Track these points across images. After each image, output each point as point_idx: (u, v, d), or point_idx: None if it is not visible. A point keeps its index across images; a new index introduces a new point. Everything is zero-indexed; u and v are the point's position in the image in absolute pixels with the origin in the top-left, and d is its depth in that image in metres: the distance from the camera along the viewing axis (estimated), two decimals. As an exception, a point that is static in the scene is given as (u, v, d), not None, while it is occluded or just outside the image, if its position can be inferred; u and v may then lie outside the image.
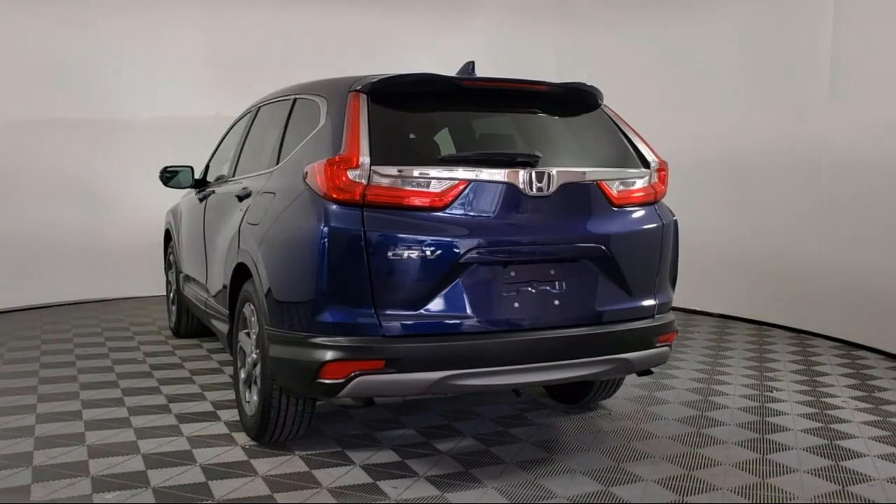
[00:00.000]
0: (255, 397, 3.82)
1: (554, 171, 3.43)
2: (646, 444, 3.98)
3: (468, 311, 3.31)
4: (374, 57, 8.39)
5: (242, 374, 4.02)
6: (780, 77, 6.84)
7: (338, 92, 3.62)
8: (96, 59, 7.83)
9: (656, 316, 3.76)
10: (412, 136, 3.64)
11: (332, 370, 3.21)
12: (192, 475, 3.47)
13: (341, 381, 3.20)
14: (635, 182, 3.72)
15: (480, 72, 4.01)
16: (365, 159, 3.25)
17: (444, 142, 3.82)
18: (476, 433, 4.11)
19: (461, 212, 3.32)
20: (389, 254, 3.22)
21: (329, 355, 3.21)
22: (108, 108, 7.93)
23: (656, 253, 3.76)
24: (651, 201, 3.78)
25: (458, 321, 3.30)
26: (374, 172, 3.25)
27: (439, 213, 3.30)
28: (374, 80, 3.53)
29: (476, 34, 8.87)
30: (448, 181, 3.31)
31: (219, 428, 4.12)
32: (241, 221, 4.02)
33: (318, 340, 3.25)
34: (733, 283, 7.37)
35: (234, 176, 4.88)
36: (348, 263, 3.21)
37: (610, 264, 3.57)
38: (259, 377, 3.71)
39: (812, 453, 3.87)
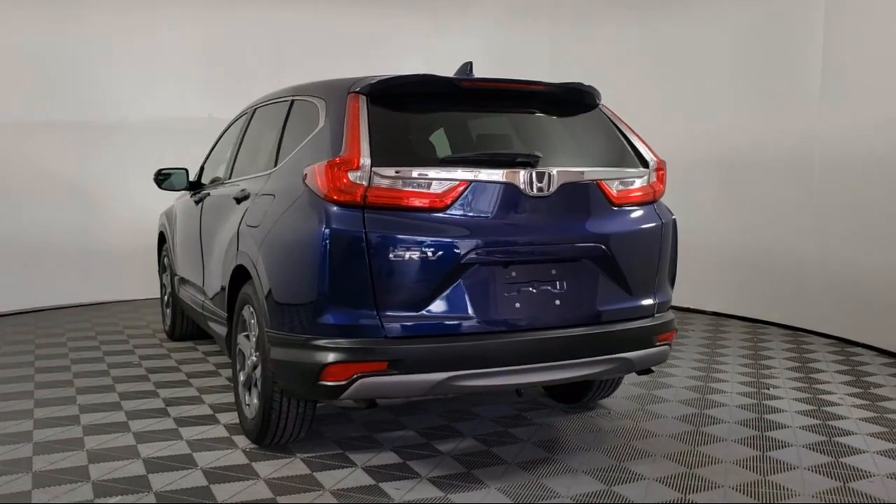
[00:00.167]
0: (256, 400, 3.80)
1: (554, 171, 3.43)
2: (646, 442, 3.99)
3: (470, 311, 3.31)
4: (368, 57, 8.38)
5: (242, 377, 4.01)
6: (772, 75, 6.88)
7: (336, 93, 3.61)
8: (89, 60, 7.79)
9: (656, 315, 3.77)
10: (412, 137, 3.64)
11: (334, 372, 3.21)
12: (194, 479, 3.46)
13: (344, 383, 3.20)
14: (634, 181, 3.73)
15: (475, 72, 4.00)
16: (366, 161, 3.24)
17: (444, 142, 3.82)
18: (476, 433, 4.11)
19: (462, 212, 3.32)
20: (391, 255, 3.21)
21: (331, 357, 3.20)
22: (101, 109, 7.89)
23: (655, 252, 3.78)
24: (650, 200, 3.80)
25: (460, 322, 3.30)
26: (375, 174, 3.25)
27: (440, 214, 3.30)
28: (373, 81, 3.52)
29: (470, 34, 8.88)
30: (449, 182, 3.31)
31: (218, 431, 4.10)
32: (240, 223, 4.00)
33: (320, 342, 3.24)
34: (727, 281, 7.40)
35: (230, 178, 4.86)
36: (350, 265, 3.21)
37: (610, 264, 3.58)
38: (259, 380, 3.70)
39: (811, 450, 3.89)
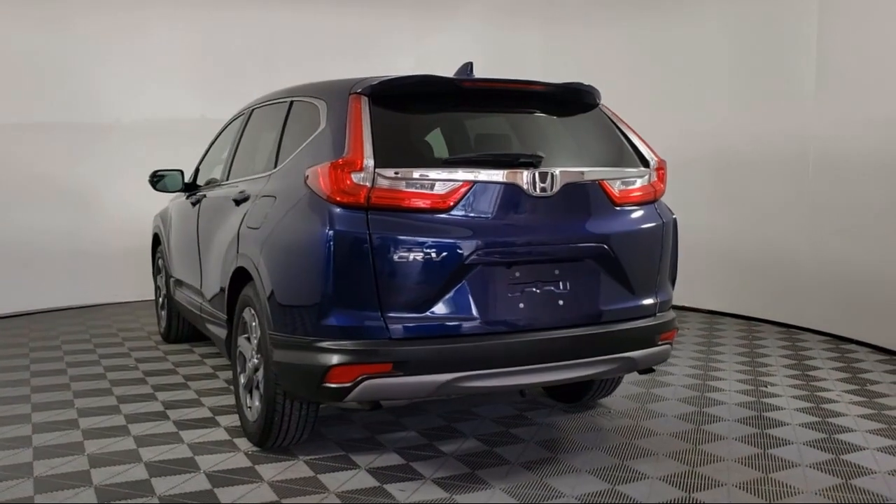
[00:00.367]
0: (257, 402, 3.79)
1: (557, 171, 3.44)
2: (648, 441, 4.01)
3: (474, 312, 3.31)
4: (360, 57, 8.36)
5: (242, 380, 3.99)
6: (766, 75, 6.91)
7: (338, 94, 3.60)
8: (80, 60, 7.75)
9: (658, 314, 3.78)
10: (414, 137, 3.64)
11: (338, 374, 3.20)
12: (197, 483, 3.44)
13: (349, 384, 3.19)
14: (636, 181, 3.74)
15: (475, 72, 4.00)
16: (369, 162, 3.23)
17: (446, 143, 3.82)
18: (478, 434, 4.11)
19: (466, 213, 3.32)
20: (395, 256, 3.21)
21: (335, 359, 3.19)
22: (93, 110, 7.84)
23: (657, 251, 3.79)
24: (651, 200, 3.81)
25: (464, 323, 3.30)
26: (379, 175, 3.24)
27: (444, 215, 3.29)
28: (374, 82, 3.51)
29: (462, 34, 8.87)
30: (452, 183, 3.30)
31: (219, 434, 4.09)
32: (240, 225, 3.98)
33: (324, 344, 3.23)
34: (721, 279, 7.43)
35: (227, 179, 4.84)
36: (354, 267, 3.20)
37: (613, 263, 3.59)
38: (262, 382, 3.68)
39: (812, 447, 3.91)
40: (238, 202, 4.20)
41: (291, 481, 3.47)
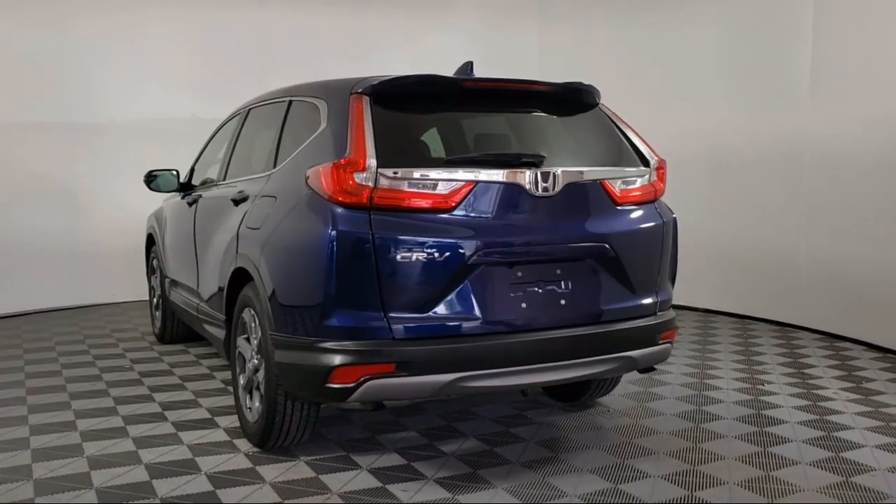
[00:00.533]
0: (258, 403, 3.78)
1: (559, 170, 3.44)
2: (648, 440, 4.02)
3: (476, 312, 3.31)
4: (356, 58, 8.34)
5: (242, 380, 3.98)
6: (761, 74, 6.93)
7: (338, 94, 3.59)
8: (76, 60, 7.68)
9: (658, 313, 3.79)
10: (416, 137, 3.63)
11: (341, 375, 3.19)
12: (199, 484, 3.43)
13: (351, 385, 3.18)
14: (636, 180, 3.75)
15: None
16: (372, 162, 3.22)
17: (448, 143, 3.82)
18: (478, 434, 4.11)
19: (468, 213, 3.32)
20: (398, 256, 3.20)
21: (338, 360, 3.18)
22: (87, 110, 7.78)
23: (657, 251, 3.80)
24: (651, 199, 3.82)
25: (467, 322, 3.30)
26: (381, 175, 3.23)
27: (447, 215, 3.29)
28: (375, 81, 3.50)
29: (458, 33, 8.86)
30: (455, 182, 3.30)
31: (219, 435, 4.07)
32: (240, 225, 3.97)
33: (327, 345, 3.22)
34: (716, 277, 7.45)
35: (224, 179, 4.82)
36: (357, 267, 3.19)
37: (614, 263, 3.59)
38: (263, 383, 3.66)
39: (811, 445, 3.93)
40: (237, 202, 4.18)
41: (293, 482, 3.46)
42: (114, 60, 7.83)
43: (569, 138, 3.92)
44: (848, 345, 6.13)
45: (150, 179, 5.54)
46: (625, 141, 3.88)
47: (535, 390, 4.81)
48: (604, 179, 3.62)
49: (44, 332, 6.75)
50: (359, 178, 3.22)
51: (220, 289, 4.25)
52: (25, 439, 4.00)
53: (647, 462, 3.71)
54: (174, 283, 5.70)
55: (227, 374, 5.22)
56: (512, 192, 3.38)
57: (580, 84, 3.85)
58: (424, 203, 3.27)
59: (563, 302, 3.48)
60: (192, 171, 5.66)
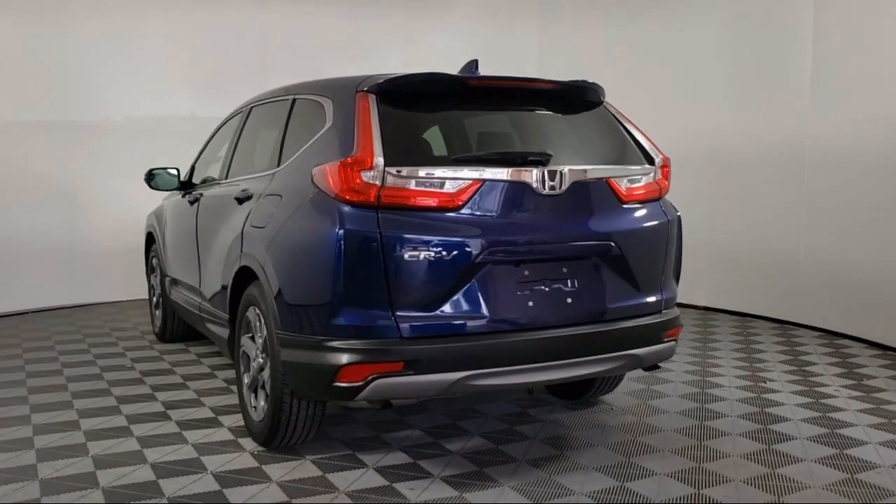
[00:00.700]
0: (263, 402, 3.77)
1: (566, 169, 3.44)
2: (652, 438, 4.02)
3: (484, 310, 3.31)
4: (354, 57, 8.32)
5: (246, 379, 3.97)
6: (761, 73, 6.93)
7: (344, 92, 3.58)
8: (74, 60, 7.64)
9: (663, 311, 3.80)
10: (423, 136, 3.63)
11: (349, 373, 3.19)
12: (205, 483, 3.42)
13: (359, 384, 3.18)
14: (641, 179, 3.75)
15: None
16: (379, 160, 3.22)
17: (454, 141, 3.82)
18: (483, 432, 4.11)
19: (475, 211, 3.31)
20: (406, 255, 3.20)
21: (346, 358, 3.18)
22: (86, 110, 7.74)
23: (662, 249, 3.80)
24: (656, 197, 3.82)
25: (474, 321, 3.30)
26: (388, 174, 3.23)
27: (454, 214, 3.29)
28: (381, 80, 3.50)
29: (458, 33, 8.85)
30: (462, 181, 3.30)
31: (223, 434, 4.06)
32: (244, 224, 3.96)
33: (335, 344, 3.21)
34: (715, 276, 7.46)
35: (226, 178, 4.80)
36: (364, 266, 3.19)
37: (620, 261, 3.60)
38: (268, 381, 3.66)
39: (815, 442, 3.94)
40: (241, 201, 4.17)
41: (300, 481, 3.45)
42: (113, 60, 7.79)
43: (574, 136, 3.92)
44: (847, 342, 6.16)
45: (151, 178, 5.52)
46: (629, 139, 3.89)
47: (539, 388, 4.81)
48: (610, 178, 3.62)
49: (42, 331, 6.72)
50: (366, 176, 3.22)
51: (224, 287, 4.24)
52: (29, 439, 3.98)
53: (653, 460, 3.72)
54: (175, 281, 5.68)
55: (229, 373, 5.21)
56: (519, 191, 3.38)
57: (584, 82, 3.85)
58: (432, 202, 3.27)
59: (569, 300, 3.49)
60: (192, 169, 5.64)
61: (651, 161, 3.84)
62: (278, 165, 3.95)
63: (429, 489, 3.38)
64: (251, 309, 3.85)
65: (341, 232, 3.19)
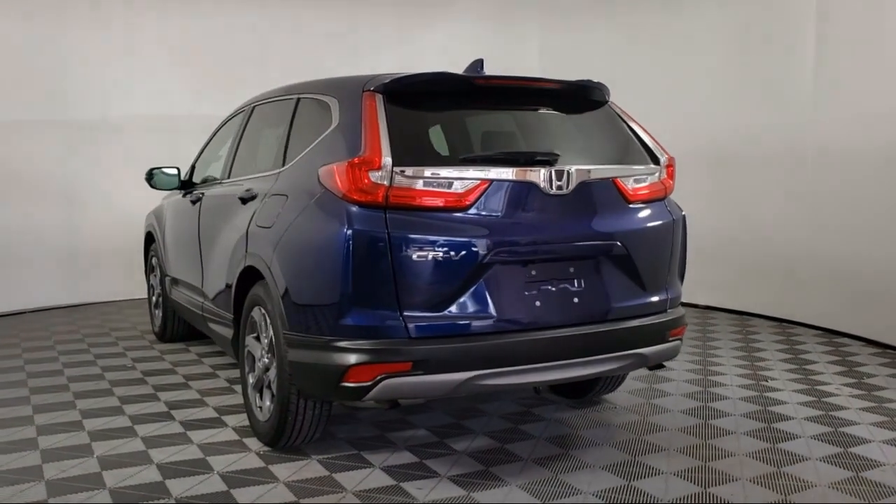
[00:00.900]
0: (268, 402, 3.77)
1: (573, 169, 3.44)
2: (657, 437, 4.03)
3: (492, 310, 3.31)
4: (354, 57, 8.32)
5: (251, 379, 3.96)
6: (762, 71, 6.94)
7: (350, 92, 3.58)
8: (74, 58, 7.63)
9: (668, 310, 3.81)
10: (430, 135, 3.62)
11: (358, 373, 3.18)
12: (212, 484, 3.41)
13: (368, 384, 3.18)
14: (647, 178, 3.76)
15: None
16: (387, 160, 3.22)
17: (460, 141, 3.81)
18: (487, 431, 4.11)
19: (483, 212, 3.32)
20: (414, 255, 3.20)
21: (355, 358, 3.18)
22: (84, 108, 7.73)
23: (668, 248, 3.81)
24: (661, 197, 3.83)
25: (482, 321, 3.30)
26: (396, 174, 3.23)
27: (462, 214, 3.29)
28: (387, 79, 3.49)
29: (457, 33, 8.85)
30: (470, 181, 3.30)
31: (228, 434, 4.06)
32: (249, 224, 3.95)
33: (343, 344, 3.21)
34: (714, 274, 7.48)
35: (228, 177, 4.79)
36: (373, 266, 3.19)
37: (626, 261, 3.61)
38: (275, 381, 3.65)
39: (819, 441, 3.96)
40: (245, 200, 4.16)
41: (307, 481, 3.45)
42: (113, 58, 7.78)
43: (579, 136, 3.92)
44: (846, 340, 6.18)
45: (151, 177, 5.51)
46: (634, 138, 3.90)
47: (544, 387, 4.81)
48: (616, 177, 3.63)
49: (41, 330, 6.70)
50: (374, 176, 3.22)
51: (228, 287, 4.23)
52: (33, 439, 3.97)
53: (658, 459, 3.73)
54: (175, 281, 5.67)
55: (231, 373, 5.20)
56: (526, 191, 3.38)
57: (590, 81, 3.85)
58: (440, 202, 3.27)
59: (576, 300, 3.49)
60: (192, 168, 5.63)
61: (656, 160, 3.85)
62: (283, 165, 3.94)
63: (437, 489, 3.38)
64: (256, 309, 3.85)
65: (350, 232, 3.19)
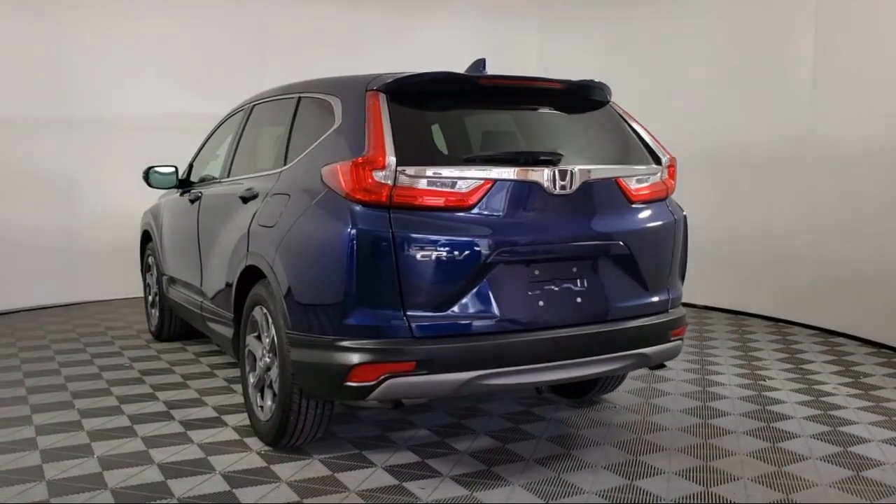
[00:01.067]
0: (270, 402, 3.76)
1: (576, 168, 3.45)
2: (657, 436, 4.04)
3: (495, 310, 3.31)
4: (353, 56, 8.30)
5: (252, 379, 3.95)
6: (762, 71, 6.95)
7: (353, 91, 3.57)
8: (70, 55, 7.58)
9: (670, 310, 3.82)
10: (433, 135, 3.62)
11: (361, 373, 3.18)
12: (215, 484, 3.40)
13: (372, 383, 3.17)
14: (649, 178, 3.77)
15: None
16: (391, 160, 3.21)
17: (463, 140, 3.81)
18: (488, 431, 4.11)
19: (487, 211, 3.32)
20: (418, 255, 3.20)
21: (358, 358, 3.18)
22: (81, 106, 7.67)
23: (669, 248, 3.82)
24: (663, 197, 3.84)
25: (485, 321, 3.30)
26: (400, 173, 3.22)
27: (466, 214, 3.29)
28: (390, 79, 3.49)
29: (457, 32, 8.84)
30: (473, 181, 3.30)
31: (228, 434, 4.04)
32: (251, 223, 3.93)
33: (347, 343, 3.21)
34: (710, 274, 7.50)
35: (228, 176, 4.78)
36: (377, 266, 3.18)
37: (628, 261, 3.61)
38: (277, 381, 3.64)
39: (819, 440, 3.97)
40: (246, 200, 4.15)
41: (310, 480, 3.44)
42: (110, 56, 7.73)
43: (581, 136, 3.93)
44: (842, 340, 6.21)
45: (148, 176, 5.48)
46: (636, 138, 3.90)
47: (545, 387, 4.81)
48: (619, 177, 3.64)
49: (36, 329, 6.66)
50: (378, 176, 3.21)
51: (229, 286, 4.22)
52: (32, 439, 3.95)
53: (659, 458, 3.74)
54: (173, 280, 5.65)
55: (229, 372, 5.19)
56: (530, 191, 3.39)
57: (592, 81, 3.85)
58: (443, 201, 3.27)
59: (579, 300, 3.50)
60: (190, 167, 5.61)
61: (658, 160, 3.86)
62: (284, 164, 3.93)
63: (439, 488, 3.38)
64: (258, 308, 3.84)
65: (353, 232, 3.18)
